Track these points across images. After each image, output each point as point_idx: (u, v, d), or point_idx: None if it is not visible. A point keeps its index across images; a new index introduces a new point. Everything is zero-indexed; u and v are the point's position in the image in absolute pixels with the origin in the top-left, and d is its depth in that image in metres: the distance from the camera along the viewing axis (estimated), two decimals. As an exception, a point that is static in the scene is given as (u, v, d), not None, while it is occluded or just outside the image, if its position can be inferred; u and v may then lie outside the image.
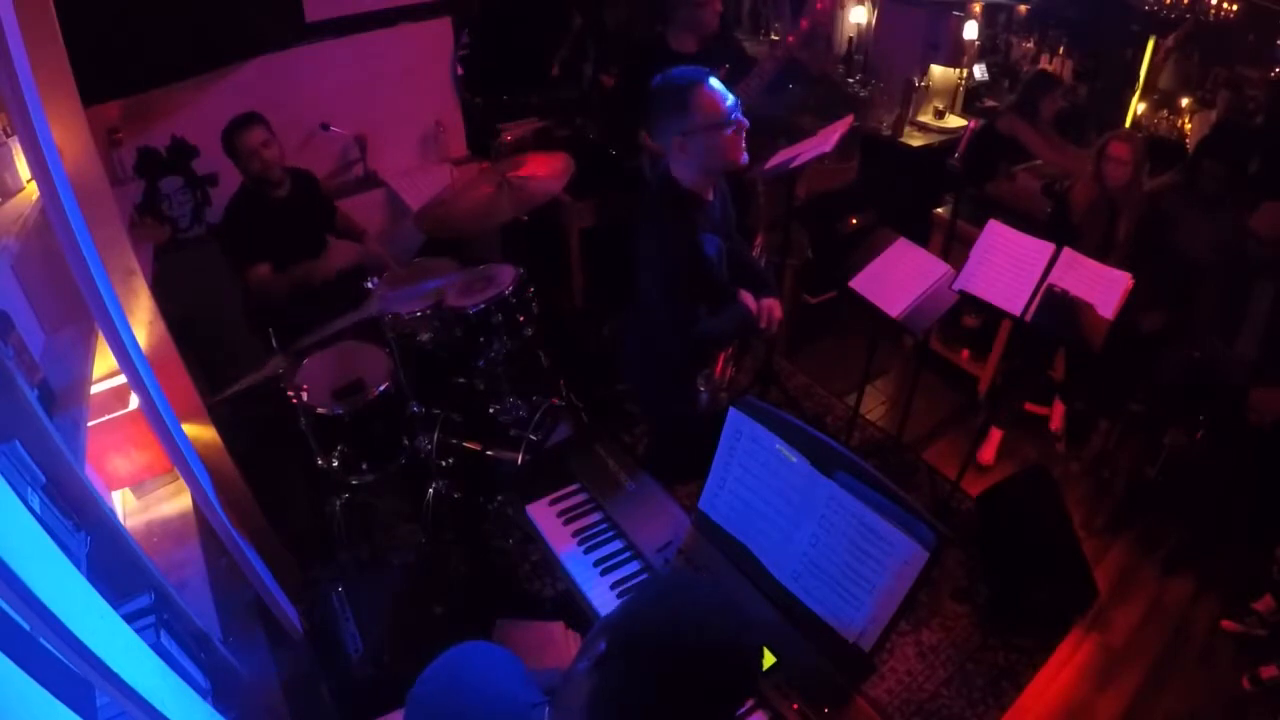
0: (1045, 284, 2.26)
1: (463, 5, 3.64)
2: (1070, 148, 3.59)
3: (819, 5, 3.10)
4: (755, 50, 4.38)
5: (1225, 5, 3.56)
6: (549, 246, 3.75)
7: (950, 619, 2.57)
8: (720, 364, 2.67)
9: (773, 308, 2.08)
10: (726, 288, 2.11)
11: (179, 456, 1.88)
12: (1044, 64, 4.17)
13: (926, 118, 4.22)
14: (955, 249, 3.24)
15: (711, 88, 1.82)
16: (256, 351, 2.35)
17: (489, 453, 2.68)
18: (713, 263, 2.01)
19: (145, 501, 2.18)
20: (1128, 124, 3.98)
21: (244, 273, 2.73)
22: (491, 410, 2.77)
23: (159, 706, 1.24)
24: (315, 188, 3.03)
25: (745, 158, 1.93)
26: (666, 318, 2.05)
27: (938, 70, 4.21)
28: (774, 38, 4.61)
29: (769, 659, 1.45)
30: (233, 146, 2.68)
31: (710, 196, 2.01)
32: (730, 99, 1.85)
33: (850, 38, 4.40)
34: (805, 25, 3.13)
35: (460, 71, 3.76)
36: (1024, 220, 2.97)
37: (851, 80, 4.35)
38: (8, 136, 1.70)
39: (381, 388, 2.45)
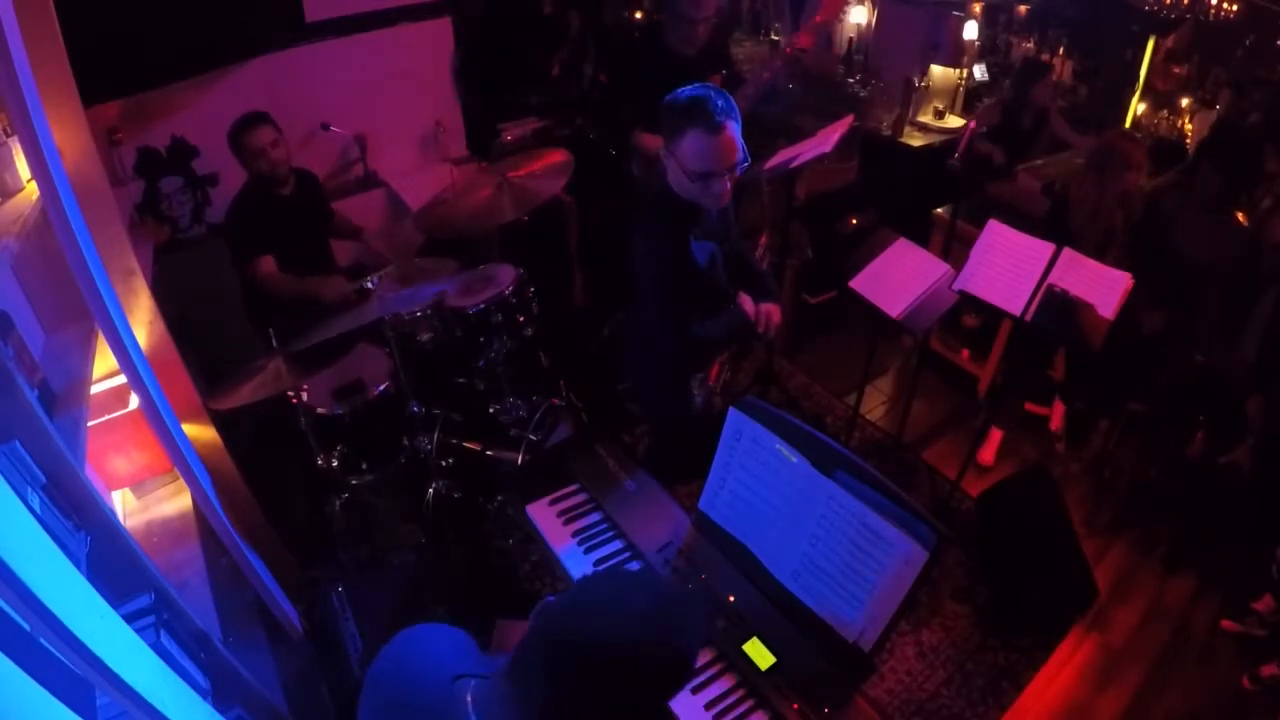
0: (1045, 284, 2.26)
1: (463, 5, 3.64)
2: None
3: (817, 19, 3.07)
4: (754, 52, 4.39)
5: (1225, 5, 3.56)
6: (549, 246, 3.75)
7: (950, 619, 2.57)
8: (715, 369, 2.66)
9: (771, 312, 2.07)
10: (725, 291, 2.11)
11: (179, 456, 1.88)
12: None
13: (926, 118, 4.23)
14: (955, 249, 3.24)
15: (702, 138, 1.71)
16: (256, 351, 2.35)
17: (489, 453, 2.68)
18: (704, 270, 2.01)
19: (145, 501, 2.18)
20: (1128, 124, 3.98)
21: (249, 266, 2.72)
22: (491, 410, 2.77)
23: (159, 706, 1.24)
24: (317, 188, 3.03)
25: (719, 204, 1.88)
26: (659, 321, 2.05)
27: (938, 70, 4.21)
28: (774, 38, 4.61)
29: (769, 659, 1.45)
30: (239, 145, 2.68)
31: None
32: (719, 160, 1.74)
33: (850, 38, 4.40)
34: (803, 41, 3.09)
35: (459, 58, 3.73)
36: (1024, 220, 2.97)
37: (851, 80, 4.35)
38: (8, 136, 1.70)
39: (381, 388, 2.45)
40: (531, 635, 0.95)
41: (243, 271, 2.76)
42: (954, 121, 4.21)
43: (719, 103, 1.71)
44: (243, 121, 2.68)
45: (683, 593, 1.05)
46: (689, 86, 1.76)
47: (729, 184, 1.81)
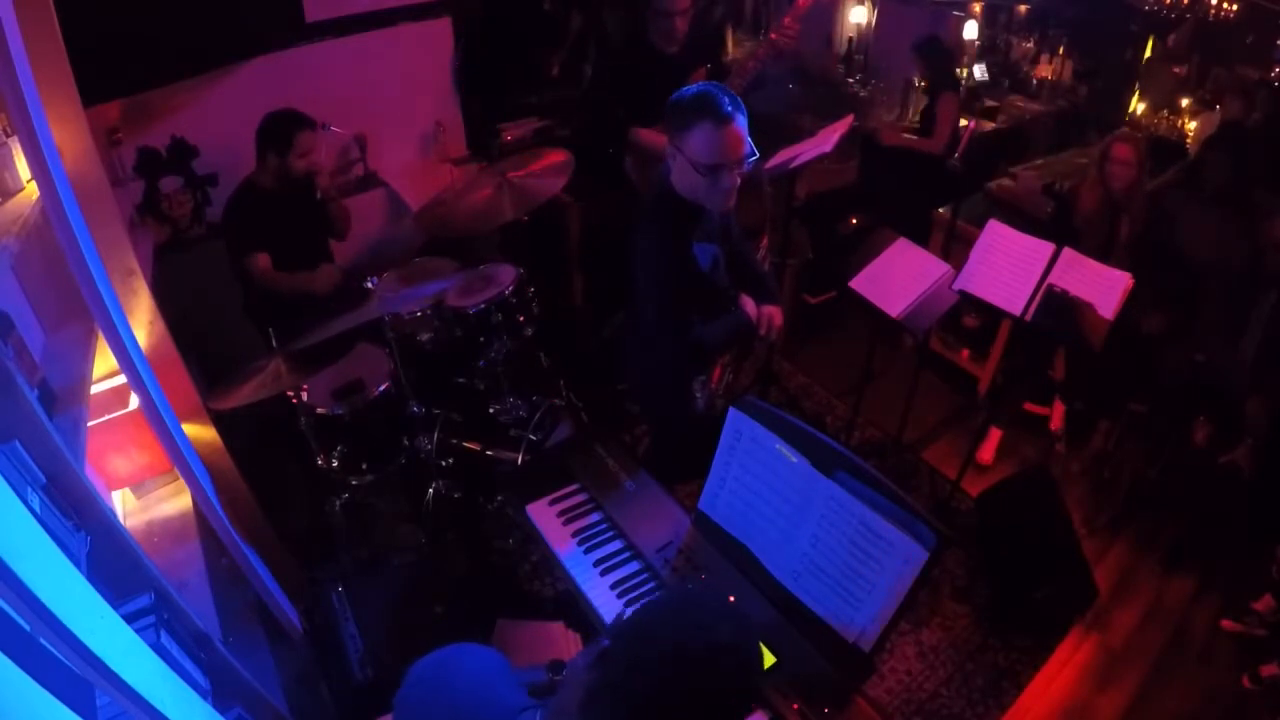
0: (1045, 284, 2.26)
1: (463, 5, 3.64)
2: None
3: (800, 3, 3.06)
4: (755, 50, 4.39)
5: (1225, 5, 3.57)
6: (549, 246, 3.74)
7: (950, 619, 2.57)
8: (718, 371, 2.65)
9: (773, 315, 2.06)
10: (726, 293, 2.10)
11: (179, 456, 1.88)
12: (1042, 63, 4.18)
13: (927, 118, 4.22)
14: (955, 249, 3.24)
15: (711, 130, 1.71)
16: (256, 351, 2.35)
17: (489, 453, 2.68)
18: (706, 273, 2.00)
19: (145, 501, 2.18)
20: (1127, 124, 3.98)
21: (244, 264, 2.70)
22: (491, 410, 2.77)
23: (159, 706, 1.24)
24: (311, 188, 3.02)
25: (724, 205, 1.87)
26: (660, 324, 2.04)
27: (938, 70, 4.20)
28: (774, 37, 4.61)
29: (769, 659, 1.45)
30: (288, 141, 2.62)
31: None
32: (727, 153, 1.73)
33: (850, 38, 4.40)
34: (786, 22, 3.08)
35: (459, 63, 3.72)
36: (1025, 220, 2.97)
37: (851, 80, 4.35)
38: (8, 136, 1.70)
39: (381, 388, 2.45)
40: (613, 679, 0.90)
41: (239, 269, 2.76)
42: (954, 121, 4.20)
43: (726, 98, 1.72)
44: (295, 119, 2.63)
45: (739, 610, 1.01)
46: (693, 85, 1.76)
47: (737, 180, 1.81)
